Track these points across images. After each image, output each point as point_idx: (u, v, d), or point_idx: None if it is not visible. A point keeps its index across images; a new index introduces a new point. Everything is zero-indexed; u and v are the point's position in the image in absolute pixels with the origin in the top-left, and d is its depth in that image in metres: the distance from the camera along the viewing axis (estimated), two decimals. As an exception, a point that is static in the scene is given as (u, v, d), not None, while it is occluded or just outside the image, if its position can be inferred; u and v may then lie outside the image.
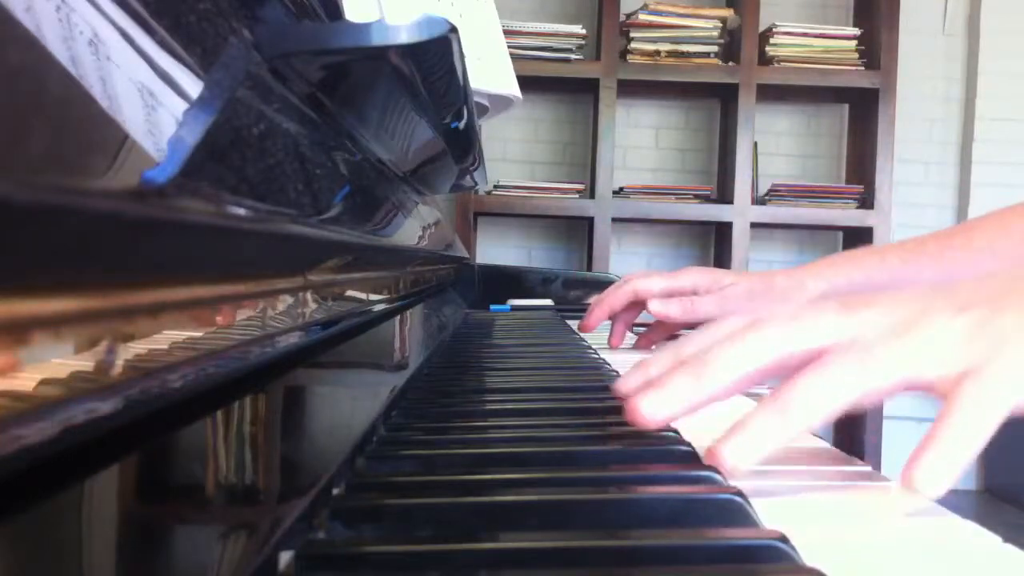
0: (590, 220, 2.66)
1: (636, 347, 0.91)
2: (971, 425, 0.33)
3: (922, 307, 0.37)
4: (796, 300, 0.80)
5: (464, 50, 0.53)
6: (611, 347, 0.90)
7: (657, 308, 0.84)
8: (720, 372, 0.38)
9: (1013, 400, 0.33)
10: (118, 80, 0.17)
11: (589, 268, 2.62)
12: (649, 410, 0.37)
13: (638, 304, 0.89)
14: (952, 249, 0.77)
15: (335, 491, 0.31)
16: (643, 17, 2.64)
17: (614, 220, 2.65)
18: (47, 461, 0.15)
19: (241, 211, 0.23)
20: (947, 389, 0.34)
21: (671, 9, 2.65)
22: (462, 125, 0.65)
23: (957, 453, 0.32)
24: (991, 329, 0.35)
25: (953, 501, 0.29)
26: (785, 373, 0.37)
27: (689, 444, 0.38)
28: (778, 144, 2.95)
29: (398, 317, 0.57)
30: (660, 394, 0.38)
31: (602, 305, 0.90)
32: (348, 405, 0.39)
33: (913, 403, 2.86)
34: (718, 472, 0.33)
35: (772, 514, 0.30)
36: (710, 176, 2.93)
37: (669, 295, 0.86)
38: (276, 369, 0.29)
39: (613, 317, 0.91)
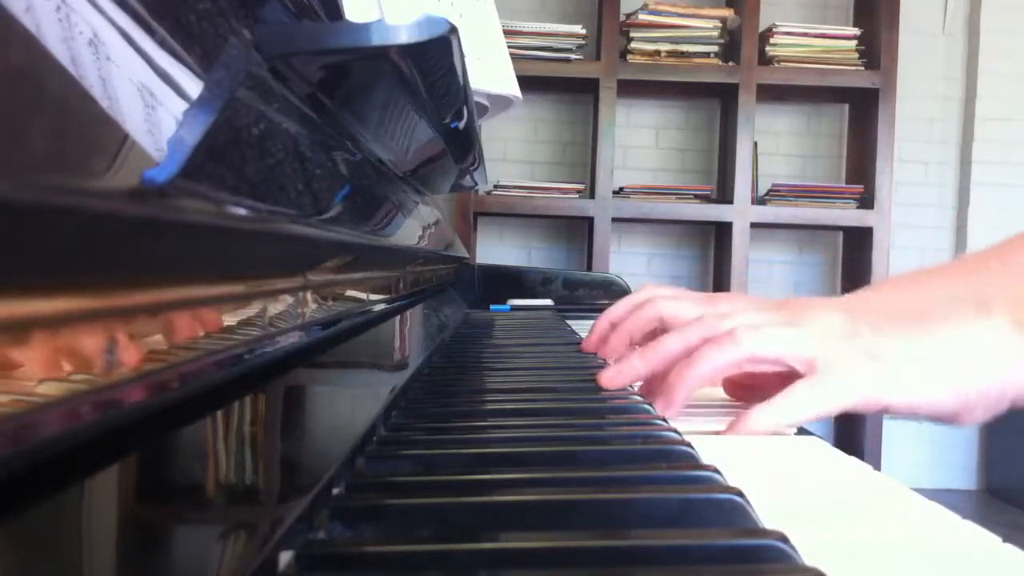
0: (590, 220, 2.66)
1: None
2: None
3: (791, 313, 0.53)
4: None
5: (464, 50, 0.53)
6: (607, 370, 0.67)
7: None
8: (653, 356, 0.55)
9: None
10: (118, 80, 0.17)
11: (589, 268, 2.62)
12: (606, 380, 0.56)
13: (663, 331, 0.68)
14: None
15: (335, 491, 0.31)
16: (643, 17, 2.64)
17: (614, 220, 2.66)
18: (47, 461, 0.15)
19: (241, 211, 0.23)
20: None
21: (671, 9, 2.65)
22: (462, 125, 0.65)
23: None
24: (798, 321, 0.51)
25: (953, 501, 0.29)
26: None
27: (689, 444, 0.38)
28: (778, 144, 2.95)
29: (398, 317, 0.57)
30: (616, 367, 0.56)
31: (620, 331, 0.72)
32: (348, 405, 0.39)
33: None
34: (718, 472, 0.33)
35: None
36: (710, 176, 2.93)
37: None
38: (276, 369, 0.29)
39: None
